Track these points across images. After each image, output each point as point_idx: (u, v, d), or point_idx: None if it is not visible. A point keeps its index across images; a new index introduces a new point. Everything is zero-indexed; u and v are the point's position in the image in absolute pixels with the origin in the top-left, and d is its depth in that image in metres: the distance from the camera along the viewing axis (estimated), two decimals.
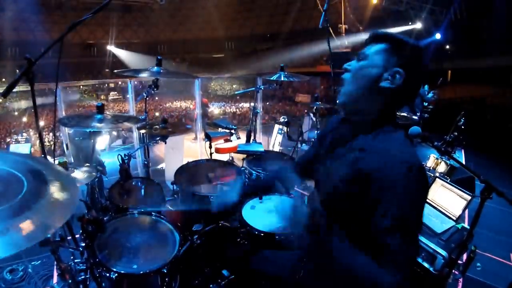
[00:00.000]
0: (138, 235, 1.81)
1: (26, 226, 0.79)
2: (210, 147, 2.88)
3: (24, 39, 18.03)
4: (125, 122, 2.25)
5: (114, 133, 8.02)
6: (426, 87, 7.73)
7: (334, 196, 1.17)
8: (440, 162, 3.37)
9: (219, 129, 3.29)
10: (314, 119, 4.60)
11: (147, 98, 2.76)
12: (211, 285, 1.87)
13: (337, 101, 1.17)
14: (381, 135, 1.08)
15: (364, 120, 1.12)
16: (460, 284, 2.71)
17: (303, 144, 4.47)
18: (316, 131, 3.92)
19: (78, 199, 1.00)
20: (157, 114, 14.72)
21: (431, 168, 3.45)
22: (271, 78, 3.15)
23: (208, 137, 2.91)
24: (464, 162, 4.31)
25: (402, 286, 0.90)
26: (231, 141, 3.23)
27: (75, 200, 0.97)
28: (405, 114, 3.29)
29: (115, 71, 2.35)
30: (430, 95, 6.48)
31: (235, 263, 1.72)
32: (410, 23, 14.28)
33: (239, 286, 1.79)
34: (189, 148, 5.90)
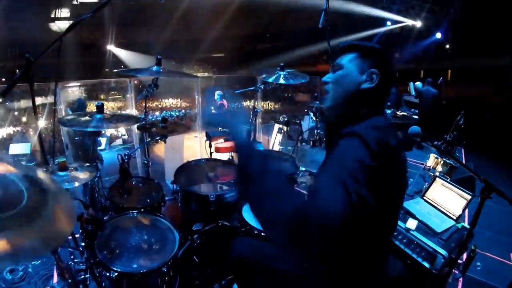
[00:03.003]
0: (138, 235, 1.82)
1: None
2: (210, 146, 2.88)
3: (25, 39, 18.00)
4: (125, 121, 2.25)
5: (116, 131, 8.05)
6: (419, 84, 7.78)
7: None
8: (440, 162, 3.37)
9: (219, 128, 3.29)
10: (314, 118, 4.59)
11: (147, 98, 2.75)
12: (211, 285, 1.87)
13: (324, 108, 1.28)
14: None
15: (348, 121, 1.18)
16: (460, 283, 2.71)
17: (303, 144, 4.47)
18: (316, 131, 3.91)
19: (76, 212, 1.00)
20: (157, 113, 14.70)
21: (431, 168, 3.45)
22: (269, 80, 3.14)
23: (208, 137, 2.91)
24: (464, 162, 4.31)
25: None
26: (231, 140, 3.23)
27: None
28: (405, 113, 3.28)
29: (115, 70, 2.35)
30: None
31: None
32: (409, 23, 14.27)
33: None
34: (189, 147, 5.90)
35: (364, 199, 0.90)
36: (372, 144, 0.98)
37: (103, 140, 6.59)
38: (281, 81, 2.96)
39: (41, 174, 1.05)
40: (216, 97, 8.63)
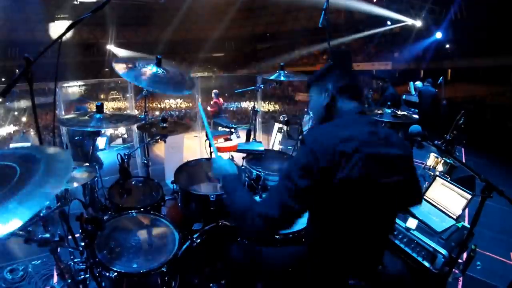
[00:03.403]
0: (137, 234, 1.82)
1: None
2: (210, 146, 2.88)
3: (25, 39, 18.01)
4: (124, 121, 2.25)
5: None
6: (419, 83, 7.78)
7: None
8: (440, 161, 3.36)
9: (219, 128, 3.29)
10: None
11: (147, 98, 2.75)
12: (211, 285, 1.87)
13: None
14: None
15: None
16: (460, 283, 2.71)
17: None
18: None
19: (72, 165, 1.05)
20: (157, 113, 14.71)
21: (431, 167, 3.44)
22: (271, 78, 3.15)
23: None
24: (464, 161, 4.31)
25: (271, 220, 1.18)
26: (231, 140, 3.23)
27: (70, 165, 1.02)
28: (405, 113, 3.27)
29: (114, 63, 2.33)
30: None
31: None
32: (409, 22, 14.29)
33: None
34: (189, 146, 5.90)
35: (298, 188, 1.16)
36: (317, 148, 1.17)
37: (103, 140, 6.59)
38: (282, 78, 2.97)
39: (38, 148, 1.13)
40: (212, 95, 8.97)
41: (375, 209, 1.22)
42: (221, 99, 9.25)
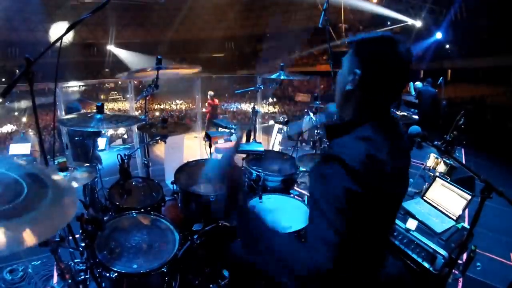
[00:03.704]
0: (137, 235, 1.82)
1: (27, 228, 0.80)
2: (210, 146, 2.88)
3: (24, 39, 18.01)
4: (125, 122, 2.25)
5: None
6: (419, 84, 7.78)
7: None
8: (440, 162, 3.37)
9: (219, 128, 3.28)
10: (314, 118, 4.59)
11: (147, 98, 2.76)
12: (211, 285, 1.87)
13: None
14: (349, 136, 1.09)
15: (342, 124, 1.16)
16: (460, 283, 2.71)
17: (303, 144, 4.46)
18: (316, 131, 3.91)
19: (77, 201, 1.00)
20: (157, 113, 14.72)
21: (431, 168, 3.45)
22: (271, 77, 3.15)
23: (208, 137, 2.91)
24: (464, 162, 4.31)
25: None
26: (231, 140, 3.23)
27: (75, 201, 0.97)
28: (404, 113, 3.28)
29: (117, 75, 2.36)
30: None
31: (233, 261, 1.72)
32: (409, 22, 14.28)
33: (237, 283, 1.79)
34: (189, 147, 5.90)
35: (352, 227, 0.92)
36: (355, 165, 0.95)
37: (103, 141, 6.59)
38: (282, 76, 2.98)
39: (44, 170, 1.08)
40: (208, 97, 9.26)
41: (389, 219, 1.20)
42: (216, 100, 9.56)
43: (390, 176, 1.04)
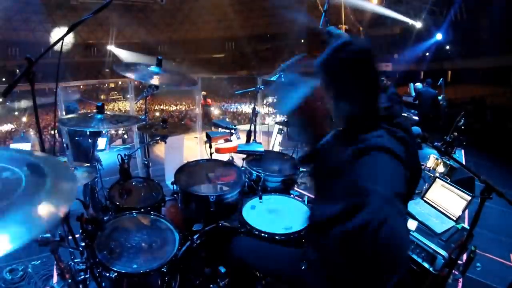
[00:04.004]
0: (137, 235, 1.82)
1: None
2: (210, 147, 2.88)
3: (24, 39, 18.03)
4: (125, 122, 2.25)
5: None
6: (419, 85, 7.80)
7: None
8: (440, 163, 3.37)
9: (219, 129, 3.29)
10: None
11: (147, 98, 2.76)
12: (211, 285, 1.87)
13: None
14: None
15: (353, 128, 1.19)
16: (460, 284, 2.71)
17: (303, 144, 4.46)
18: None
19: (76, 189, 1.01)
20: (157, 114, 14.74)
21: (431, 169, 3.45)
22: (271, 78, 3.15)
23: (208, 137, 2.91)
24: (464, 163, 4.31)
25: None
26: (231, 141, 3.23)
27: (75, 190, 0.98)
28: (405, 114, 3.28)
29: (115, 66, 2.36)
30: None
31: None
32: (409, 23, 14.30)
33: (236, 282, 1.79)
34: (190, 147, 5.90)
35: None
36: (399, 153, 0.96)
37: (103, 141, 6.59)
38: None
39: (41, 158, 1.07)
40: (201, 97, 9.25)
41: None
42: (209, 100, 9.80)
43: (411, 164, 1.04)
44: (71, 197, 0.95)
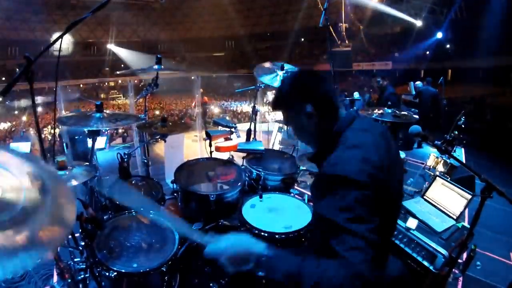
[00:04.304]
0: (137, 234, 1.81)
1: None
2: (210, 145, 2.88)
3: (24, 39, 18.02)
4: (124, 120, 2.24)
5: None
6: (419, 83, 7.77)
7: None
8: (440, 161, 3.37)
9: (219, 127, 3.28)
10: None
11: (147, 97, 2.75)
12: (211, 284, 1.87)
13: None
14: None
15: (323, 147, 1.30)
16: (460, 283, 2.71)
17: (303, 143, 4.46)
18: None
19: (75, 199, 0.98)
20: (157, 112, 14.73)
21: (431, 167, 3.44)
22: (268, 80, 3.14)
23: (208, 136, 2.91)
24: (464, 161, 4.31)
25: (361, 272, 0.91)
26: (231, 139, 3.23)
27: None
28: (405, 112, 3.28)
29: (117, 72, 2.36)
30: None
31: None
32: (409, 22, 14.28)
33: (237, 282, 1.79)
34: (189, 146, 5.90)
35: (375, 228, 0.97)
36: (358, 176, 1.02)
37: (102, 139, 6.60)
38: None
39: (45, 171, 1.00)
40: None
41: (394, 216, 1.27)
42: (205, 98, 9.73)
43: (386, 168, 1.11)
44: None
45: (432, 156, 3.49)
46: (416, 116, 3.31)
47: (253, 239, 1.11)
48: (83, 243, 1.68)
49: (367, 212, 0.99)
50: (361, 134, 1.18)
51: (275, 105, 1.35)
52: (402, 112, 3.26)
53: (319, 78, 1.26)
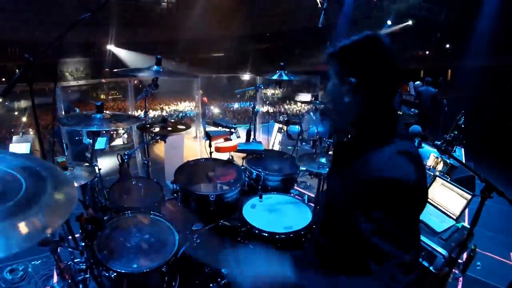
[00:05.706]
0: (137, 235, 1.81)
1: (25, 225, 0.77)
2: (210, 146, 2.88)
3: (24, 39, 18.01)
4: (125, 121, 2.24)
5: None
6: (419, 83, 7.78)
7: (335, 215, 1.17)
8: (440, 161, 3.36)
9: (219, 128, 3.28)
10: (314, 117, 4.60)
11: (147, 97, 2.75)
12: (211, 285, 1.87)
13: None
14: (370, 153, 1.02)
15: (353, 139, 1.16)
16: (460, 283, 2.71)
17: (303, 143, 4.46)
18: (316, 130, 3.92)
19: (76, 198, 0.98)
20: (157, 113, 14.72)
21: (431, 167, 3.44)
22: (272, 77, 3.15)
23: (208, 136, 2.91)
24: (464, 161, 4.31)
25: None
26: (231, 140, 3.23)
27: (74, 199, 0.95)
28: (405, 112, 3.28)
29: (115, 70, 2.36)
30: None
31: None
32: (409, 22, 14.28)
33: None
34: (189, 147, 5.90)
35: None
36: (410, 180, 0.96)
37: (102, 140, 6.60)
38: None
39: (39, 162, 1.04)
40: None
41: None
42: (205, 98, 9.82)
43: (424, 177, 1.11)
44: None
45: (432, 156, 3.49)
46: (416, 116, 3.32)
47: (275, 260, 1.05)
48: (83, 244, 1.68)
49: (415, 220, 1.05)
50: (408, 143, 1.08)
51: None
52: (398, 112, 3.26)
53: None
